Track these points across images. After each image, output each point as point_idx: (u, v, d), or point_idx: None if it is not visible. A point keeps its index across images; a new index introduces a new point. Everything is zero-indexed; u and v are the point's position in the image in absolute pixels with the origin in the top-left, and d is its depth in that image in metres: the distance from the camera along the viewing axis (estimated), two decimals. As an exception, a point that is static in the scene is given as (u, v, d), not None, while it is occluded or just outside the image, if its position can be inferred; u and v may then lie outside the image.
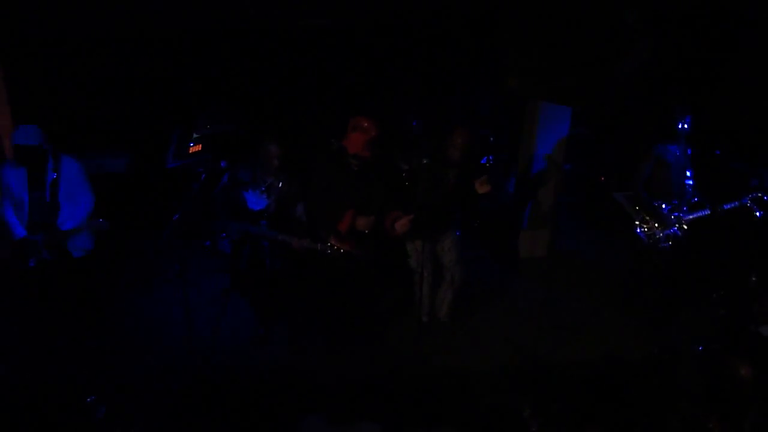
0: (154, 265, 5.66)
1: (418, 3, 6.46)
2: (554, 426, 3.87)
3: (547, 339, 4.76)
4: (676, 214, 4.80)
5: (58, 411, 3.86)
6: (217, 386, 4.19)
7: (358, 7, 6.27)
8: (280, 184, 4.35)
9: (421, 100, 6.97)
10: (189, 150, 6.22)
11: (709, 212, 4.74)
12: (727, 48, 5.67)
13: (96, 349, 4.47)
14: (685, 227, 4.78)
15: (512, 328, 4.99)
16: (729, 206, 4.65)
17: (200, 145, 6.29)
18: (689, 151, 4.82)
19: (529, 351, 4.65)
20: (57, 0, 5.55)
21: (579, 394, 4.17)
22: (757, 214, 4.54)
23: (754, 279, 4.27)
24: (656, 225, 4.82)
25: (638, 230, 4.89)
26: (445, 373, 4.44)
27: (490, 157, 6.55)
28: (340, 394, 4.20)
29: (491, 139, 6.70)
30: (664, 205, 4.84)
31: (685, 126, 4.72)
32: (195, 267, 5.69)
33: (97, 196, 4.43)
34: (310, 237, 4.22)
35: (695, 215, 4.78)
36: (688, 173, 4.83)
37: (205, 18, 6.18)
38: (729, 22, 5.56)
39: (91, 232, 4.32)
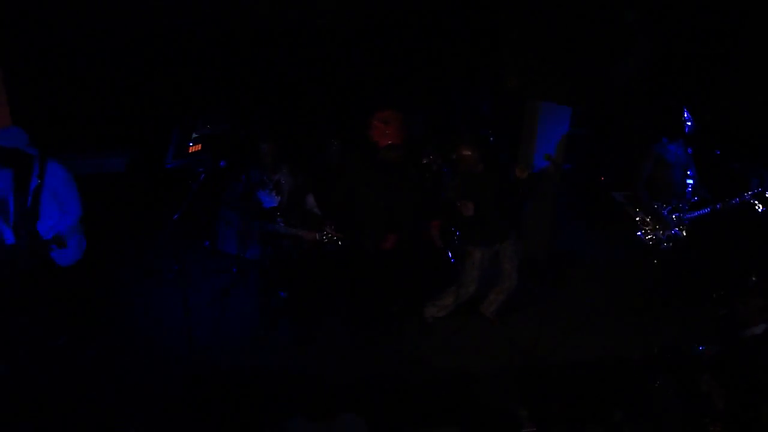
0: (153, 265, 5.65)
1: (418, 3, 6.46)
2: (554, 426, 3.87)
3: (547, 339, 4.76)
4: (677, 214, 4.79)
5: (58, 411, 3.86)
6: (216, 386, 4.19)
7: (358, 8, 6.27)
8: (284, 180, 4.48)
9: (421, 101, 6.96)
10: (188, 150, 6.21)
11: (709, 210, 4.72)
12: (727, 48, 5.67)
13: (96, 350, 4.47)
14: (687, 227, 4.77)
15: (512, 328, 4.99)
16: (730, 203, 4.64)
17: (200, 145, 6.28)
18: (690, 150, 4.79)
19: (529, 351, 4.65)
20: (57, 0, 5.55)
21: (579, 394, 4.17)
22: (759, 208, 4.52)
23: (754, 279, 4.25)
24: (657, 227, 4.81)
25: (639, 233, 4.87)
26: (445, 373, 4.44)
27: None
28: (339, 393, 4.20)
29: (491, 139, 6.69)
30: (664, 206, 4.83)
31: (688, 123, 4.70)
32: (195, 267, 5.68)
33: (97, 196, 4.40)
34: (322, 227, 4.35)
35: (696, 214, 4.76)
36: (689, 172, 4.81)
37: (204, 18, 6.18)
38: (729, 22, 5.55)
39: (75, 243, 4.20)
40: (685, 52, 5.74)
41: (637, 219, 4.88)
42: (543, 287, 5.57)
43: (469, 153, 4.47)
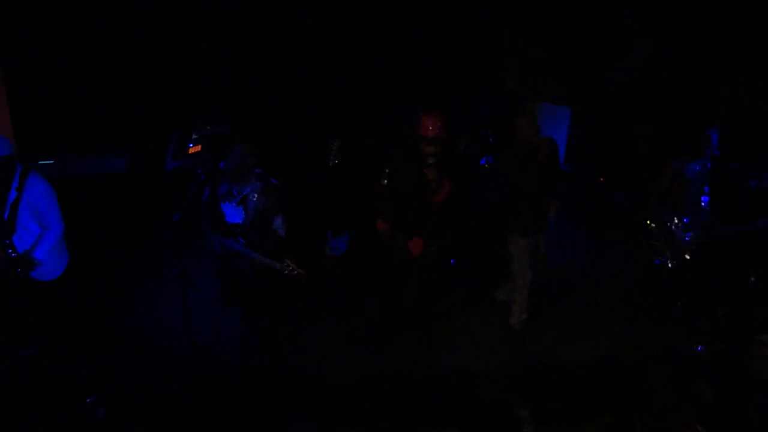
0: (153, 266, 5.66)
1: (417, 4, 6.47)
2: (553, 426, 3.87)
3: (547, 339, 4.77)
4: (690, 234, 4.66)
5: (58, 411, 3.87)
6: (217, 387, 4.19)
7: (358, 9, 6.28)
8: (255, 196, 4.12)
9: (421, 101, 6.97)
10: (188, 151, 6.22)
11: (722, 234, 4.60)
12: (726, 48, 5.68)
13: (96, 350, 4.47)
14: (696, 250, 4.64)
15: (512, 329, 4.99)
16: (742, 229, 4.53)
17: (199, 146, 6.29)
18: (709, 165, 4.64)
19: (528, 351, 4.65)
20: (57, 0, 5.56)
21: (578, 394, 4.18)
22: None
23: (752, 279, 4.25)
24: (667, 248, 4.71)
25: (648, 246, 4.79)
26: (445, 373, 4.45)
27: (489, 158, 6.56)
28: (339, 394, 4.21)
29: (491, 139, 6.70)
30: (675, 221, 4.71)
31: (713, 143, 4.54)
32: (194, 268, 5.69)
33: (97, 196, 4.34)
34: (286, 253, 4.06)
35: (708, 236, 4.61)
36: (706, 189, 4.67)
37: (204, 18, 6.18)
38: (727, 23, 5.56)
39: (55, 258, 4.04)
40: (684, 53, 5.75)
41: (649, 235, 4.78)
42: (542, 287, 5.58)
43: (526, 121, 4.40)
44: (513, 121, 4.46)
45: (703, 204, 4.64)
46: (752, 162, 5.28)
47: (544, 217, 4.57)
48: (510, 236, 4.61)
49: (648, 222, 4.78)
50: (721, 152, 4.63)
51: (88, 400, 3.89)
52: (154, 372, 4.33)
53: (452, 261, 5.85)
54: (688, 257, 4.63)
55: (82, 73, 6.15)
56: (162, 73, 6.40)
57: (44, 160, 5.73)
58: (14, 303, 4.04)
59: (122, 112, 6.32)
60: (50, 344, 4.24)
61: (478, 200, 6.47)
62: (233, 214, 4.20)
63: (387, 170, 4.29)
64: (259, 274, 4.25)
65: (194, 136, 6.24)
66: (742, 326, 3.92)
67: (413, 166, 4.17)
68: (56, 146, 6.00)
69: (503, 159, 4.53)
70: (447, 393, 4.25)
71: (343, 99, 6.90)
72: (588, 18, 5.64)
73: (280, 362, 4.53)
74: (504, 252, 4.70)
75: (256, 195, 4.12)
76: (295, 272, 4.01)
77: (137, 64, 6.33)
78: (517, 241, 4.58)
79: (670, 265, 4.70)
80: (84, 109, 6.17)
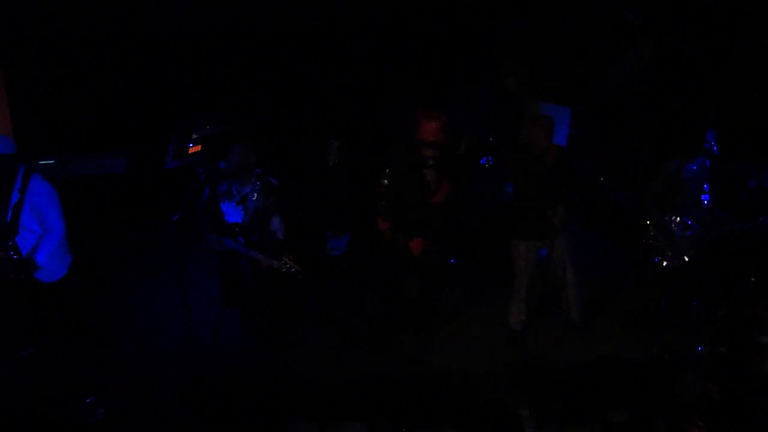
0: (153, 266, 5.66)
1: (417, 4, 6.47)
2: (553, 426, 3.87)
3: (547, 339, 4.77)
4: (689, 233, 4.64)
5: (58, 411, 3.87)
6: (217, 387, 4.19)
7: (357, 9, 6.28)
8: (255, 196, 4.13)
9: (420, 102, 6.97)
10: (188, 150, 6.22)
11: (723, 232, 4.57)
12: (726, 48, 5.68)
13: (96, 350, 4.47)
14: (695, 248, 4.62)
15: (512, 329, 4.99)
16: (744, 226, 4.50)
17: (200, 146, 6.29)
18: (708, 163, 4.61)
19: (529, 351, 4.65)
20: (57, 0, 5.56)
21: (578, 395, 4.18)
22: None
23: (753, 279, 4.25)
24: (667, 249, 4.69)
25: (648, 246, 4.77)
26: (445, 373, 4.45)
27: (490, 158, 6.56)
28: (338, 394, 4.21)
29: (491, 139, 6.70)
30: (675, 220, 4.68)
31: (711, 142, 4.50)
32: (194, 268, 5.69)
33: (97, 196, 4.34)
34: (284, 252, 4.07)
35: (709, 234, 4.59)
36: (705, 188, 4.64)
37: (204, 18, 6.19)
38: (728, 23, 5.56)
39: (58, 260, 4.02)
40: (684, 53, 5.75)
41: (648, 236, 4.75)
42: (542, 287, 5.57)
43: (539, 124, 4.38)
44: (523, 124, 4.45)
45: (705, 203, 4.64)
46: (752, 162, 5.28)
47: (549, 223, 4.52)
48: (511, 239, 4.62)
49: (647, 222, 4.78)
50: (721, 152, 4.62)
51: (88, 400, 3.90)
52: (154, 372, 4.32)
53: (452, 261, 5.84)
54: (687, 258, 4.63)
55: (82, 72, 6.14)
56: (162, 73, 6.40)
57: (44, 160, 5.72)
58: (15, 304, 4.02)
59: (122, 112, 6.31)
60: (50, 344, 4.23)
61: (478, 200, 6.48)
62: (233, 213, 4.20)
63: (387, 170, 4.29)
64: (259, 274, 4.25)
65: (194, 136, 6.24)
66: (742, 326, 3.91)
67: (413, 166, 4.17)
68: (56, 146, 6.00)
69: (509, 161, 4.53)
70: (447, 393, 4.25)
71: (343, 99, 6.90)
72: (588, 18, 5.64)
73: (280, 362, 4.53)
74: (505, 253, 4.71)
75: (255, 195, 4.14)
76: (293, 269, 4.01)
77: (137, 64, 6.33)
78: (517, 245, 4.59)
79: (665, 264, 4.70)
80: (84, 108, 6.17)
